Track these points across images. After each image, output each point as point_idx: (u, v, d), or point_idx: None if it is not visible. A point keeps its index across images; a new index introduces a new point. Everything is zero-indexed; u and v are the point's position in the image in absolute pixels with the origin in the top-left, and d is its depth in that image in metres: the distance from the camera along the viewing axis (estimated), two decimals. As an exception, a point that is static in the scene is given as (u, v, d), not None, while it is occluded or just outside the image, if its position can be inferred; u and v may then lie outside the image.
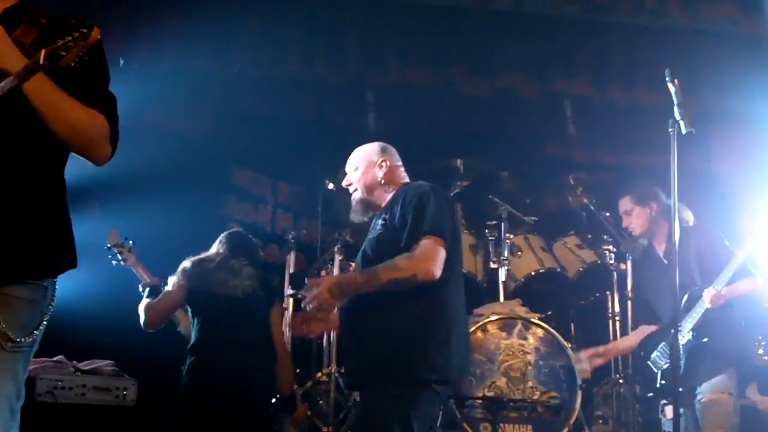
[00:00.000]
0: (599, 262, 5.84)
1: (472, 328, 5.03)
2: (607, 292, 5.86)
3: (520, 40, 6.36)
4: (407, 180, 3.75)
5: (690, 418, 4.42)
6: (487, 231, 5.71)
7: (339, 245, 5.60)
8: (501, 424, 4.80)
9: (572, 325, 6.06)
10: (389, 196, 3.65)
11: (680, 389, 3.87)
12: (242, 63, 6.13)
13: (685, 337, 4.36)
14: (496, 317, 5.12)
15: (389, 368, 3.29)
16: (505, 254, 5.56)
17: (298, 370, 5.41)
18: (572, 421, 4.91)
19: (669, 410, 4.43)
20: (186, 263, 4.61)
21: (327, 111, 6.90)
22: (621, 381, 5.44)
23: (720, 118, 6.52)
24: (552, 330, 5.11)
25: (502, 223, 5.65)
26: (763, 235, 4.38)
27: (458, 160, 6.07)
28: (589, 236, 6.10)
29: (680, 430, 3.61)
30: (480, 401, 4.86)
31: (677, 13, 6.12)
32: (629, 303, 5.61)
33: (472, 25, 6.31)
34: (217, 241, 4.76)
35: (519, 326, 5.10)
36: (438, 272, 3.29)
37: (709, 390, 4.36)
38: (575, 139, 7.05)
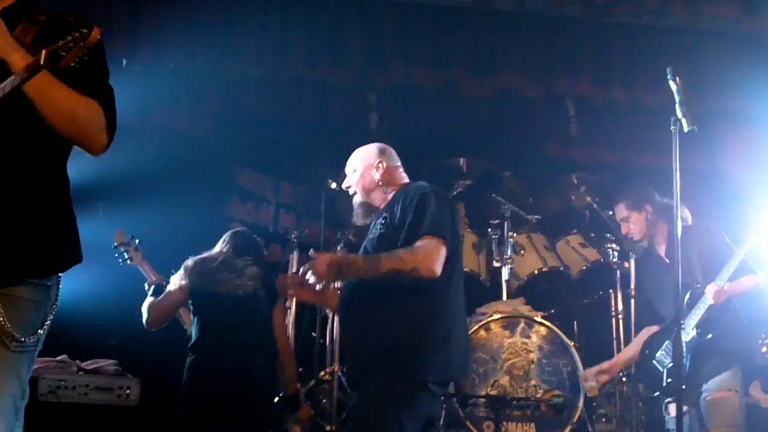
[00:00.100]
0: (602, 260, 5.85)
1: (475, 327, 5.04)
2: (611, 291, 5.86)
3: (522, 40, 6.36)
4: (407, 181, 3.76)
5: (694, 416, 4.42)
6: (490, 230, 5.72)
7: (342, 245, 5.62)
8: (504, 423, 4.81)
9: (575, 323, 6.06)
10: (389, 197, 3.65)
11: (684, 387, 3.87)
12: (245, 64, 6.14)
13: (689, 334, 4.37)
14: (500, 316, 5.13)
15: (387, 366, 3.30)
16: (508, 253, 5.57)
17: (301, 369, 5.41)
18: (575, 420, 4.92)
19: (673, 408, 4.43)
20: (188, 262, 4.61)
21: (329, 111, 6.89)
22: (624, 379, 5.43)
23: (722, 118, 6.51)
24: (555, 328, 5.12)
25: (505, 222, 5.66)
26: (764, 231, 4.39)
27: (461, 160, 6.08)
28: (592, 235, 6.10)
29: (685, 428, 3.61)
30: (483, 400, 4.87)
31: (679, 13, 6.11)
32: (632, 301, 5.61)
33: (474, 25, 6.31)
34: (221, 240, 4.76)
35: (522, 325, 5.11)
36: (439, 270, 3.29)
37: (715, 388, 4.36)
38: (577, 138, 7.03)
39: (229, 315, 4.47)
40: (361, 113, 6.94)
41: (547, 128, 7.04)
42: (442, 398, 4.80)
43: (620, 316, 5.77)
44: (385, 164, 3.70)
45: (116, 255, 5.30)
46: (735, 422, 4.34)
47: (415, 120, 6.93)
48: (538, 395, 4.93)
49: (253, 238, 4.89)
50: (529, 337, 5.09)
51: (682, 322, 4.20)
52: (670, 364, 4.48)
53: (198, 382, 4.39)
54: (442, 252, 3.32)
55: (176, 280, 4.59)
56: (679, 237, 3.60)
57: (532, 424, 4.88)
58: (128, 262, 5.26)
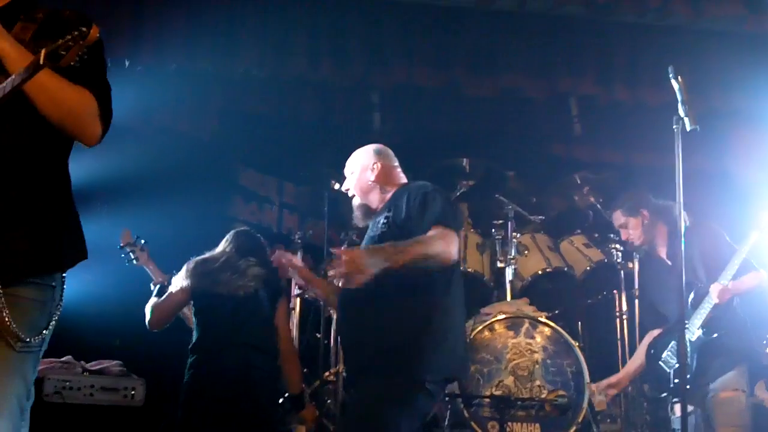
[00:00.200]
0: (606, 260, 5.84)
1: (480, 328, 5.04)
2: (615, 291, 5.86)
3: (525, 40, 6.36)
4: (405, 181, 3.77)
5: (701, 416, 4.41)
6: (493, 230, 5.71)
7: (345, 245, 5.60)
8: (509, 423, 4.81)
9: (579, 324, 6.05)
10: (387, 197, 3.66)
11: (690, 387, 3.87)
12: (247, 64, 6.13)
13: (695, 334, 4.36)
14: (504, 316, 5.12)
15: (385, 366, 3.30)
16: (512, 253, 5.56)
17: (305, 370, 5.41)
18: (580, 420, 4.91)
19: (678, 408, 4.42)
20: (190, 263, 4.59)
21: (332, 111, 6.90)
22: (629, 379, 5.42)
23: (726, 117, 6.49)
24: (559, 329, 5.11)
25: (509, 223, 5.65)
26: (766, 228, 4.39)
27: (464, 160, 6.08)
28: (596, 235, 6.10)
29: (691, 428, 3.61)
30: (488, 400, 4.86)
31: (682, 12, 6.11)
32: (636, 302, 5.60)
33: (476, 25, 6.31)
34: (224, 239, 4.74)
35: (526, 325, 5.10)
36: (456, 256, 3.33)
37: (721, 387, 4.35)
38: (581, 138, 7.03)
39: (230, 316, 4.45)
40: (363, 113, 6.95)
41: (549, 128, 7.04)
42: (447, 398, 4.81)
43: (624, 317, 5.76)
44: (380, 165, 3.72)
45: (122, 255, 5.32)
46: (742, 422, 4.33)
47: (417, 120, 6.93)
48: (543, 395, 4.93)
49: (256, 237, 4.85)
50: (533, 337, 5.08)
51: (686, 322, 4.21)
52: (677, 365, 4.47)
53: (199, 383, 4.38)
54: (456, 239, 3.34)
55: (178, 281, 4.57)
56: (683, 233, 3.59)
57: (537, 425, 4.88)
58: (134, 262, 5.28)
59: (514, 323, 5.11)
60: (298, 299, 5.72)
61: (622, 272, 5.73)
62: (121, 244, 5.33)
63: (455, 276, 3.46)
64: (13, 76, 2.18)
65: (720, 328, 4.36)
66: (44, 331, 2.38)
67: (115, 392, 4.95)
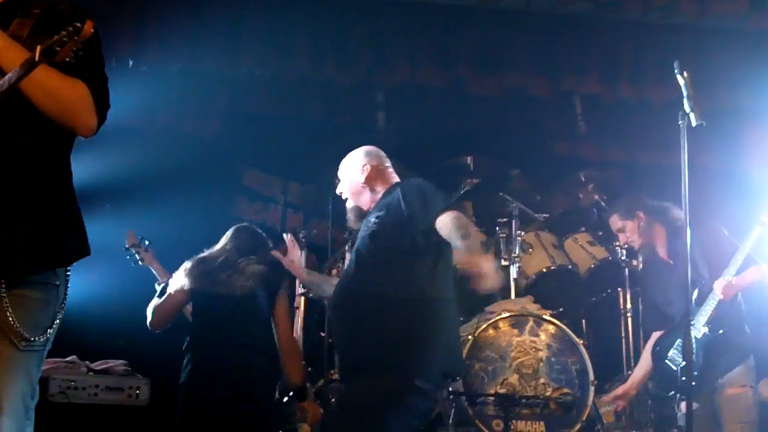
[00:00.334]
0: (611, 258, 5.83)
1: (484, 326, 5.03)
2: (619, 289, 5.86)
3: (529, 39, 6.35)
4: (396, 180, 3.77)
5: (708, 413, 4.40)
6: (498, 228, 5.70)
7: (349, 244, 5.60)
8: (513, 421, 4.80)
9: (584, 321, 6.05)
10: (378, 197, 3.66)
11: (695, 384, 3.86)
12: (251, 64, 6.14)
13: (700, 331, 4.35)
14: (508, 314, 5.11)
15: (375, 365, 3.32)
16: (516, 251, 5.55)
17: (310, 369, 5.41)
18: (584, 418, 4.90)
19: (684, 405, 4.41)
20: (187, 263, 4.54)
21: (336, 111, 6.90)
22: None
23: (731, 115, 6.48)
24: (564, 327, 5.10)
25: (513, 221, 5.64)
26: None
27: (468, 158, 6.07)
28: (600, 233, 6.08)
29: (698, 424, 3.60)
30: (492, 398, 4.85)
31: (687, 10, 6.09)
32: (641, 300, 5.59)
33: (480, 23, 6.30)
34: (225, 236, 4.69)
35: (531, 323, 5.09)
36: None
37: (729, 383, 4.36)
38: (585, 136, 7.02)
39: (228, 316, 4.41)
40: (367, 113, 6.94)
41: (554, 126, 7.03)
42: (451, 397, 4.80)
43: (629, 314, 5.76)
44: (369, 167, 3.73)
45: (128, 256, 5.34)
46: (750, 418, 4.33)
47: (422, 119, 6.93)
48: (547, 393, 4.92)
49: (258, 233, 4.78)
50: (537, 335, 5.07)
51: (692, 318, 4.20)
52: (683, 363, 4.46)
53: (196, 384, 4.36)
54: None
55: (176, 282, 4.53)
56: (688, 227, 3.57)
57: (542, 422, 4.87)
58: (140, 263, 5.30)
59: (518, 321, 5.10)
60: (303, 298, 5.71)
61: (626, 270, 5.73)
62: (127, 246, 5.35)
63: (440, 274, 3.46)
64: (10, 74, 2.18)
65: (725, 325, 4.35)
66: (48, 330, 2.38)
67: (120, 392, 4.95)
